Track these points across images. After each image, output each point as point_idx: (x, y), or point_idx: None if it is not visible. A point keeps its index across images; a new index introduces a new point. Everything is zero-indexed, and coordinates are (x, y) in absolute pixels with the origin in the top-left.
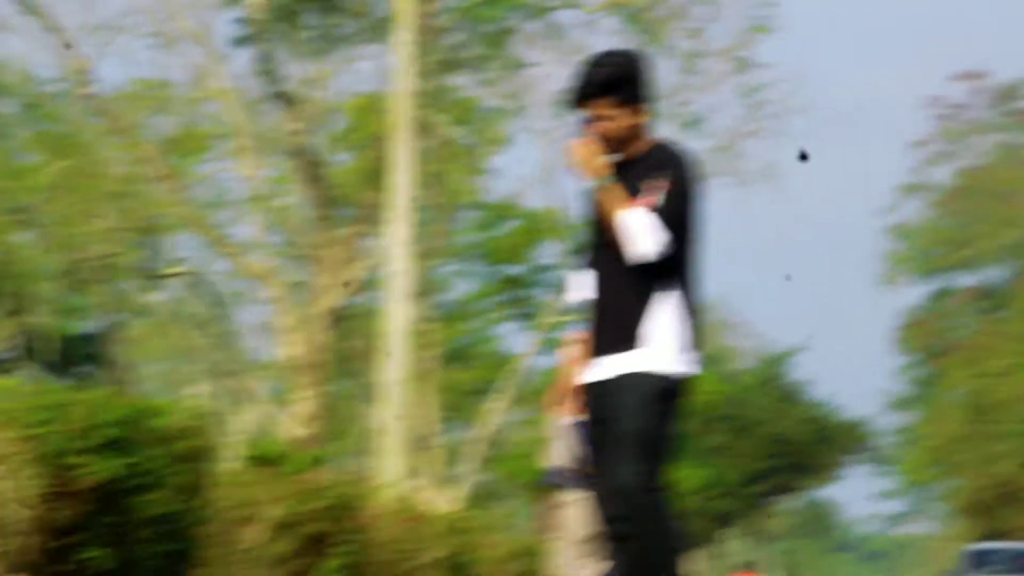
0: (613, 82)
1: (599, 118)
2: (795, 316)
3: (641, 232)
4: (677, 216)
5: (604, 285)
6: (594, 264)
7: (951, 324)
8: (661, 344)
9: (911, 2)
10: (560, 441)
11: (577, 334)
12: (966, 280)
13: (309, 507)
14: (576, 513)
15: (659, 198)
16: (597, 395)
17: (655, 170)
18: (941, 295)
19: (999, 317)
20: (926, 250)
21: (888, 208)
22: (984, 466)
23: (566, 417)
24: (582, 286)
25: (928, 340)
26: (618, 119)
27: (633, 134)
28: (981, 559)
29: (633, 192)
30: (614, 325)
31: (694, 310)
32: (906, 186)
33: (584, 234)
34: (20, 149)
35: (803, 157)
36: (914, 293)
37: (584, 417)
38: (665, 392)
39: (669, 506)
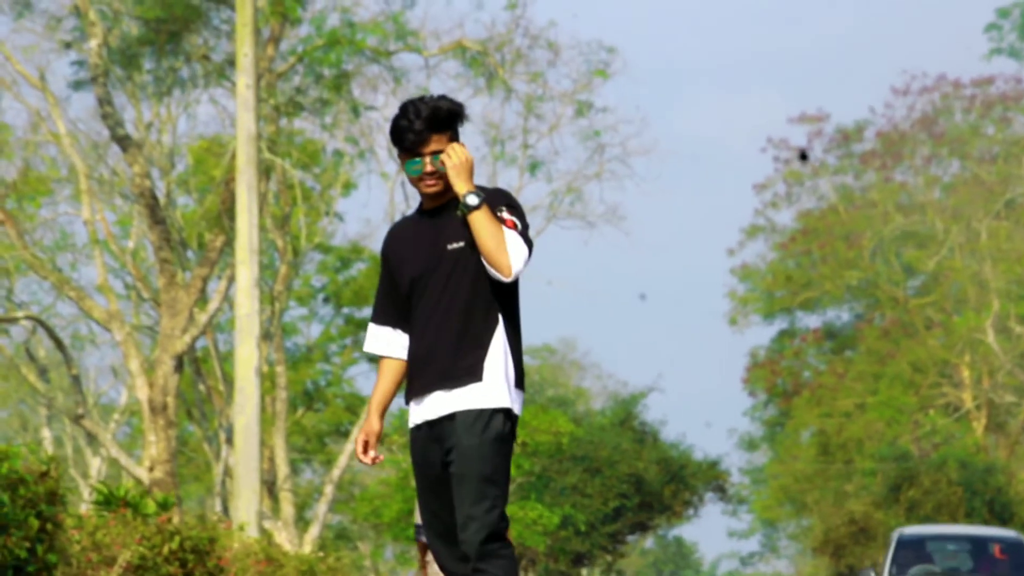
0: (450, 119)
1: (439, 153)
2: (647, 357)
3: (514, 249)
4: (527, 243)
5: (436, 320)
6: (422, 299)
7: (797, 364)
8: (497, 380)
9: (757, 44)
10: None
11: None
12: (810, 321)
13: (163, 550)
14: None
15: (516, 222)
16: (431, 435)
17: (492, 204)
18: (786, 336)
19: (845, 358)
20: (770, 291)
21: (733, 249)
22: (835, 504)
23: (373, 459)
24: (380, 337)
25: (775, 380)
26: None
27: (468, 169)
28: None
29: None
30: (456, 358)
31: (520, 346)
32: (749, 228)
33: (402, 272)
34: None
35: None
36: (761, 334)
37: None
38: (505, 431)
39: (506, 546)
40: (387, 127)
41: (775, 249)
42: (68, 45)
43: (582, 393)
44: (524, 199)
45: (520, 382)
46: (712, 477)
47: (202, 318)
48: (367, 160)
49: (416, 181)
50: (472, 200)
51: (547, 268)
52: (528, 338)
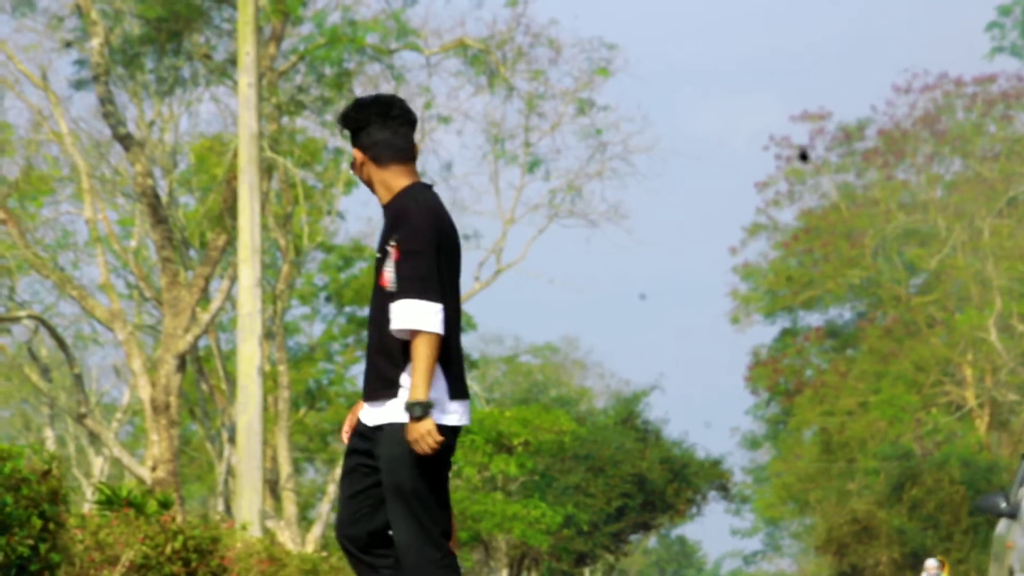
0: (352, 129)
1: (353, 160)
2: (649, 355)
3: (412, 318)
4: (420, 278)
5: (371, 328)
6: (371, 305)
7: (799, 363)
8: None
9: (759, 42)
10: None
11: None
12: (812, 319)
13: (166, 550)
14: None
15: (391, 275)
16: (362, 439)
17: (389, 230)
18: (788, 334)
19: (847, 356)
20: (772, 290)
21: (735, 248)
22: (837, 503)
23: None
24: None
25: (777, 379)
26: (355, 165)
27: (366, 181)
28: None
29: (383, 248)
30: (377, 371)
31: (455, 358)
32: (751, 226)
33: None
34: None
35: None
36: (763, 332)
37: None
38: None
39: (443, 559)
40: None
41: (777, 247)
42: (70, 44)
43: (585, 392)
44: (525, 197)
45: (450, 393)
46: (715, 476)
47: (204, 317)
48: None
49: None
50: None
51: (549, 267)
52: (530, 337)
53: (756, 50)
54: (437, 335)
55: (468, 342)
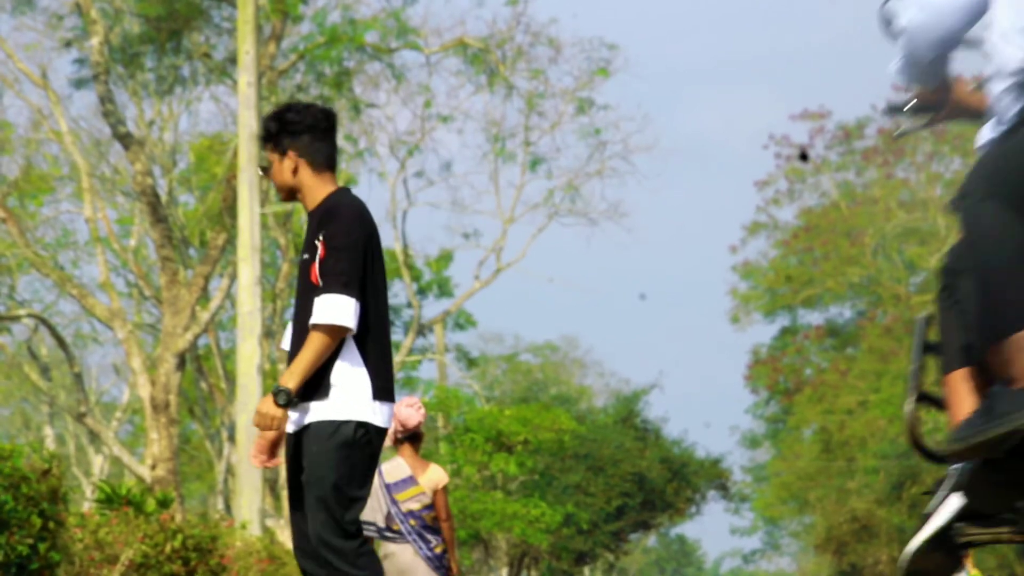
0: (267, 133)
1: (267, 165)
2: (649, 354)
3: (331, 314)
4: (343, 272)
5: (297, 330)
6: (296, 308)
7: (799, 362)
8: (346, 392)
9: (758, 41)
10: (379, 494)
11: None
12: (812, 318)
13: (165, 548)
14: (395, 565)
15: (317, 270)
16: (293, 444)
17: (317, 229)
18: (788, 333)
19: (847, 355)
20: (771, 288)
21: (735, 247)
22: (837, 502)
23: (264, 464)
24: (287, 336)
25: (777, 378)
26: (277, 169)
27: (295, 186)
28: None
29: (310, 247)
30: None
31: (384, 358)
32: (751, 225)
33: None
34: None
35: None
36: (763, 331)
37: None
38: (350, 441)
39: (362, 555)
40: (388, 125)
41: (777, 246)
42: (70, 43)
43: (584, 391)
44: (525, 196)
45: (375, 392)
46: (714, 475)
47: (204, 316)
48: (366, 159)
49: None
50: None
51: (549, 266)
52: (530, 336)
53: (755, 49)
54: (340, 329)
55: (468, 340)
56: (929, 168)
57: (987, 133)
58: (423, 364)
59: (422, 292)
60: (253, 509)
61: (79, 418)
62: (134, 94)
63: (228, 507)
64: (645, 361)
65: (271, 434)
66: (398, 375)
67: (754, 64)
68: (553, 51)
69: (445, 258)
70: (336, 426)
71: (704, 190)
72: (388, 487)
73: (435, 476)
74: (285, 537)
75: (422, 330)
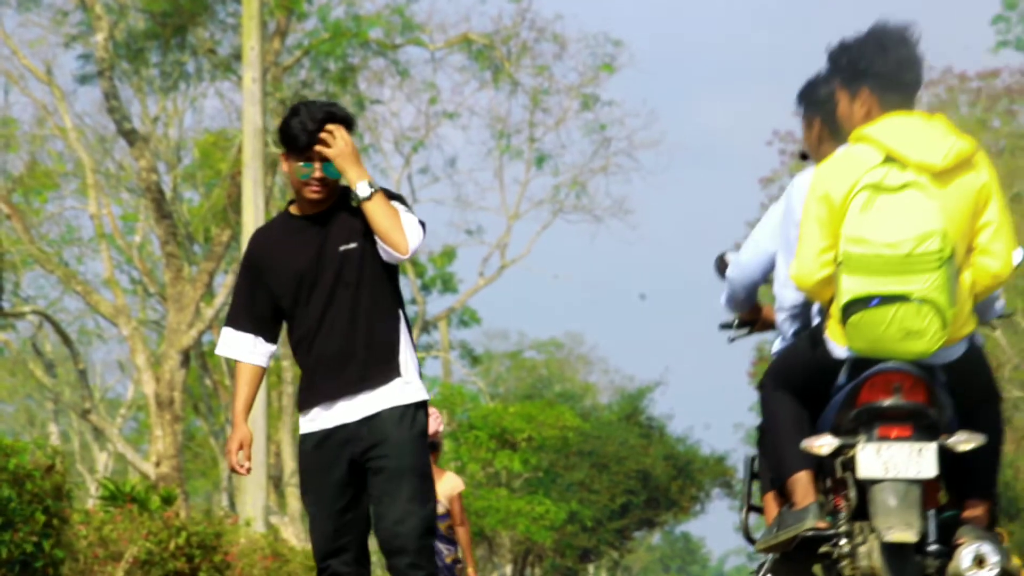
0: (345, 125)
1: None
2: (653, 351)
3: (409, 227)
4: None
5: (340, 323)
6: (310, 304)
7: None
8: (414, 375)
9: (763, 36)
10: None
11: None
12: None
13: (169, 545)
14: None
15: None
16: (340, 438)
17: (356, 217)
18: None
19: None
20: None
21: (739, 243)
22: None
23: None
24: (242, 344)
25: None
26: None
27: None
28: None
29: (355, 236)
30: (363, 361)
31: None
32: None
33: (280, 277)
34: None
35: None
36: None
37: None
38: (423, 428)
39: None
40: (393, 121)
41: None
42: (74, 39)
43: (589, 388)
44: (530, 193)
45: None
46: (719, 472)
47: (208, 312)
48: (371, 155)
49: (301, 186)
50: (366, 191)
51: (553, 262)
52: (534, 332)
53: (759, 45)
54: (404, 239)
55: (472, 337)
56: None
57: (778, 345)
58: (427, 361)
59: (426, 288)
60: (257, 506)
61: (83, 415)
62: (139, 90)
63: (232, 504)
64: (650, 358)
65: (249, 437)
66: None
67: (759, 60)
68: (558, 47)
69: (449, 254)
70: (413, 410)
71: (709, 186)
72: None
73: (450, 485)
74: (289, 534)
75: (426, 327)
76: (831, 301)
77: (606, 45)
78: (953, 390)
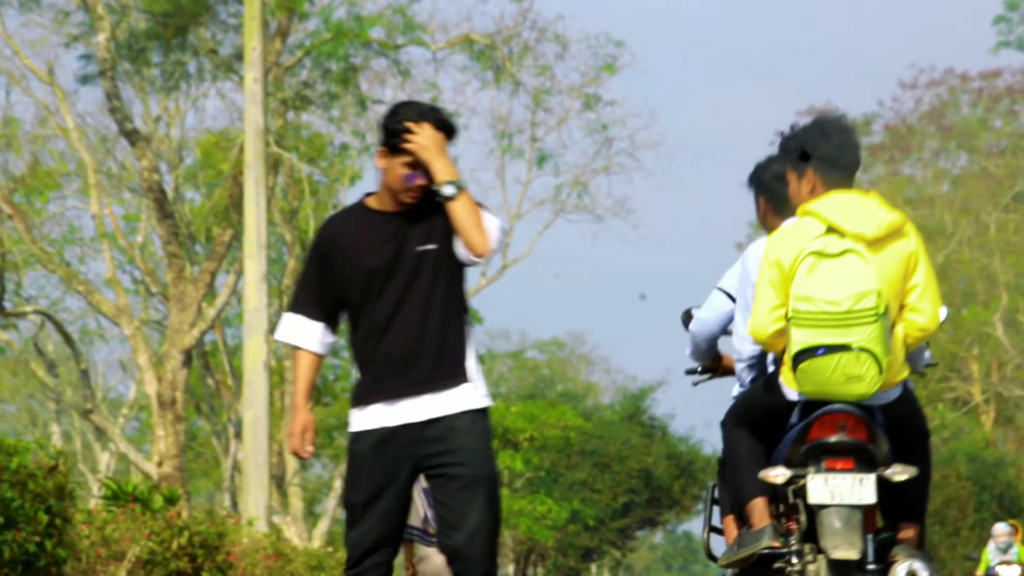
0: (451, 134)
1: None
2: (655, 351)
3: (491, 226)
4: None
5: (411, 321)
6: (382, 299)
7: None
8: (481, 379)
9: (765, 36)
10: (416, 497)
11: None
12: None
13: (172, 545)
14: (430, 568)
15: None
16: (403, 438)
17: (437, 214)
18: None
19: None
20: None
21: (741, 243)
22: None
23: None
24: (306, 330)
25: None
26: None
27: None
28: None
29: (433, 236)
30: (433, 362)
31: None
32: (754, 222)
33: (353, 268)
34: None
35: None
36: None
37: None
38: (490, 430)
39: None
40: None
41: None
42: (76, 39)
43: (591, 388)
44: (532, 192)
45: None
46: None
47: (210, 312)
48: (373, 154)
49: (400, 187)
50: (451, 190)
51: (555, 262)
52: (536, 332)
53: (762, 45)
54: (486, 239)
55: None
56: (935, 164)
57: (736, 391)
58: None
59: None
60: (260, 506)
61: (85, 415)
62: (140, 90)
63: (235, 504)
64: (652, 358)
65: (313, 422)
66: None
67: (760, 60)
68: (560, 47)
69: None
70: (483, 417)
71: (710, 186)
72: (425, 491)
73: None
74: (291, 534)
75: None
76: (784, 351)
77: (608, 45)
78: (889, 428)
